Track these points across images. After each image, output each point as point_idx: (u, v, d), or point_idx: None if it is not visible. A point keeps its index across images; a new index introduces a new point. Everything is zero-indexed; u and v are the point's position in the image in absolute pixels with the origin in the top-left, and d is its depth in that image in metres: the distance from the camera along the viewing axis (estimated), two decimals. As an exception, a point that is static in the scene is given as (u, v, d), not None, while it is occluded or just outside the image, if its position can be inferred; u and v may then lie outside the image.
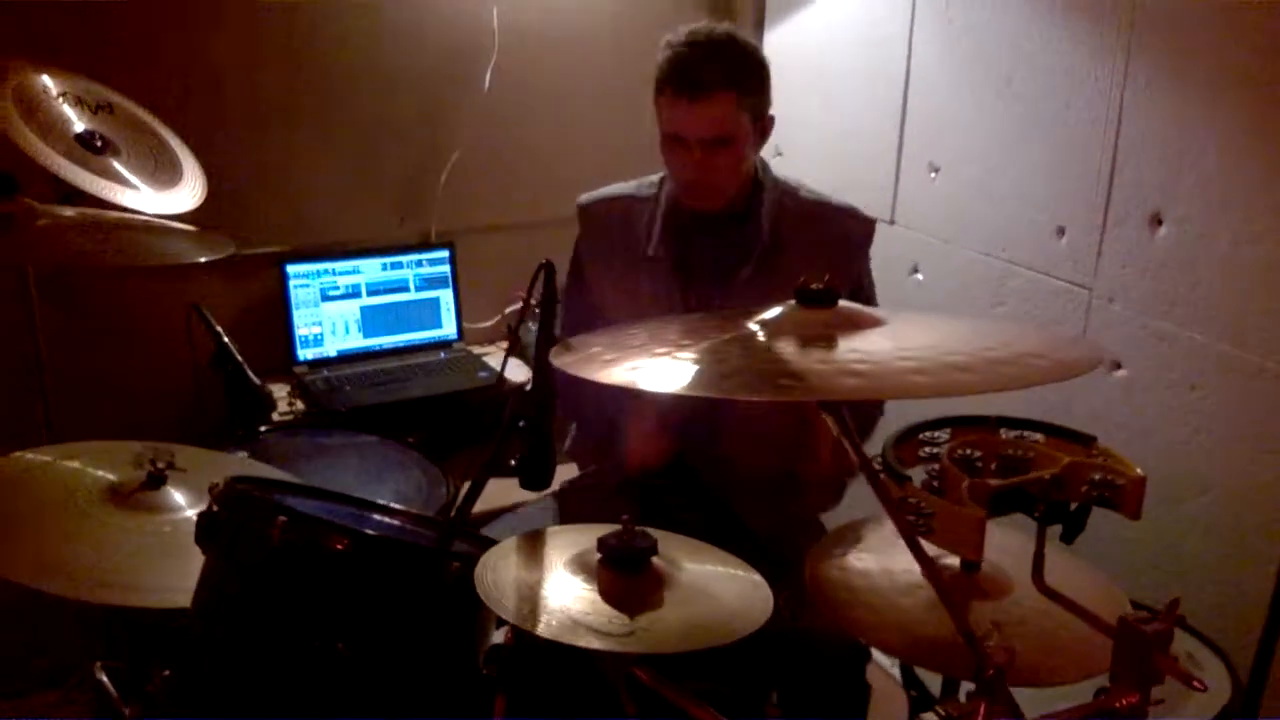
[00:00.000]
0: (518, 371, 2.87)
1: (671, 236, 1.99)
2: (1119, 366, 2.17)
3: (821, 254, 2.00)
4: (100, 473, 1.77)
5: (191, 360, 2.40)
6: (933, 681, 1.72)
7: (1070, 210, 2.23)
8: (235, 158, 2.62)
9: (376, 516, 1.70)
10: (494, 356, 2.96)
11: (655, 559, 1.14)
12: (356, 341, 2.84)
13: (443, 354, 2.90)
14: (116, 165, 2.13)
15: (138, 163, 2.17)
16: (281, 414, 2.61)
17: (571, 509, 2.04)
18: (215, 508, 1.44)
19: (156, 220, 2.00)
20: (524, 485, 1.47)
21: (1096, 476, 1.33)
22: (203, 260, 1.81)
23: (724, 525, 1.93)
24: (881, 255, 2.64)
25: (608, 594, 1.09)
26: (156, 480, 1.76)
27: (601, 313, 2.07)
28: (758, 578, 1.18)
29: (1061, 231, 2.26)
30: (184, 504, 1.74)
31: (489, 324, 3.06)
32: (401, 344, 2.89)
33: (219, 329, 2.38)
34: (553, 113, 2.99)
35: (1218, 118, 1.93)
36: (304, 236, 2.79)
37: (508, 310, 3.05)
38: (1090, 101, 2.16)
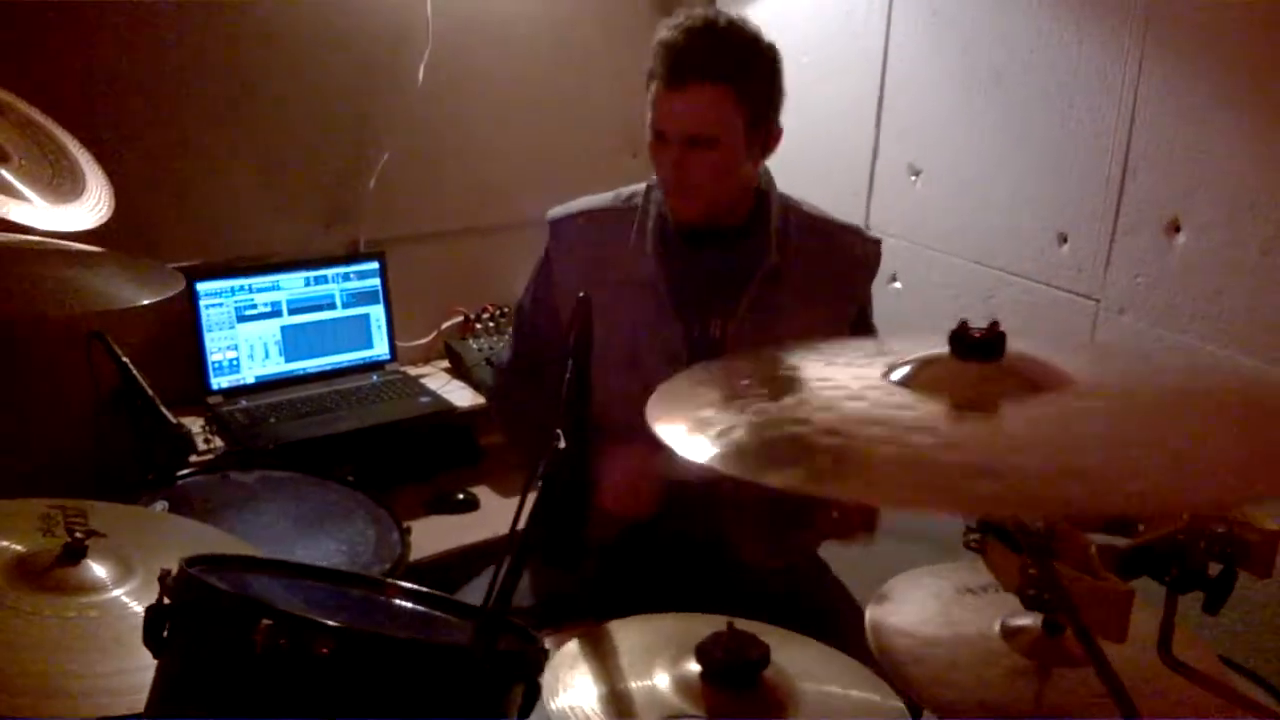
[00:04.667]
0: (459, 395, 2.62)
1: (664, 256, 1.77)
2: (1131, 382, 2.03)
3: (826, 278, 1.81)
4: (2, 543, 1.46)
5: (94, 395, 2.08)
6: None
7: (1073, 216, 2.09)
8: (135, 163, 2.29)
9: (371, 597, 1.42)
10: (432, 378, 2.69)
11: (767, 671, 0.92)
12: (278, 366, 2.53)
13: (375, 377, 2.62)
14: (4, 174, 1.79)
15: (31, 171, 1.83)
16: (200, 452, 2.30)
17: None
18: (169, 602, 1.16)
19: (93, 251, 1.68)
20: (547, 563, 1.23)
21: (1220, 529, 1.17)
22: (145, 303, 1.49)
23: (709, 559, 1.73)
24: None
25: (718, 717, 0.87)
26: (75, 553, 1.47)
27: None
28: (880, 683, 0.97)
29: (1064, 239, 2.12)
30: (108, 580, 1.46)
31: (424, 341, 2.78)
32: (328, 367, 2.59)
33: (125, 360, 2.08)
34: (492, 110, 2.72)
35: (1244, 115, 1.81)
36: (216, 250, 2.46)
37: (445, 325, 2.78)
38: (1097, 101, 2.02)
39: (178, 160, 2.38)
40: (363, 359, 2.63)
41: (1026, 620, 1.28)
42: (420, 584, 1.51)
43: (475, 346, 2.71)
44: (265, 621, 1.08)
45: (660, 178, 1.74)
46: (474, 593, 1.78)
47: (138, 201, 2.30)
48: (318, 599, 1.32)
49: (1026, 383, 0.86)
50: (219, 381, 2.46)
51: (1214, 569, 1.14)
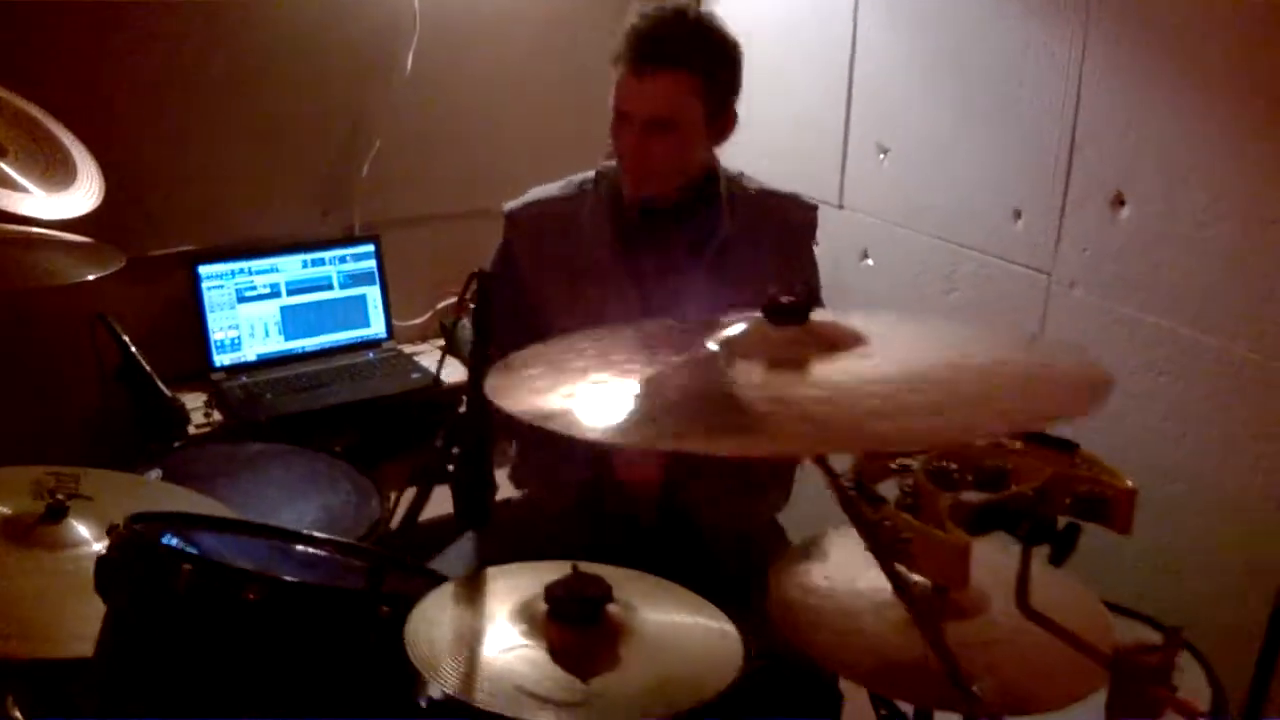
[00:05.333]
0: (454, 371, 2.72)
1: (619, 237, 1.86)
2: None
3: (768, 246, 1.88)
4: (-4, 505, 1.60)
5: (98, 373, 2.23)
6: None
7: (1027, 192, 2.14)
8: (138, 152, 2.43)
9: (301, 548, 1.54)
10: (427, 356, 2.80)
11: (610, 607, 1.01)
12: (277, 345, 2.66)
13: (371, 354, 2.74)
14: (3, 167, 1.93)
15: (26, 162, 1.97)
16: (198, 425, 2.44)
17: (511, 536, 1.89)
18: (113, 553, 1.29)
19: (35, 233, 1.81)
20: (460, 521, 1.33)
21: (1082, 489, 1.23)
22: (90, 278, 1.62)
23: (679, 535, 1.82)
24: (831, 240, 2.55)
25: (558, 652, 0.96)
26: (56, 512, 1.60)
27: (539, 325, 1.93)
28: (727, 626, 1.05)
29: (1018, 215, 2.17)
30: (90, 537, 1.58)
31: (420, 321, 2.89)
32: (326, 345, 2.72)
33: (126, 339, 2.21)
34: (480, 96, 2.82)
35: (1181, 92, 1.85)
36: (217, 234, 2.60)
37: (440, 306, 2.89)
38: (1047, 78, 2.06)
39: (177, 150, 2.51)
40: (360, 338, 2.76)
41: (919, 577, 1.36)
42: (404, 548, 1.63)
43: (468, 325, 2.81)
44: (186, 566, 1.21)
45: (619, 155, 1.83)
46: (451, 557, 1.88)
47: (139, 189, 2.45)
48: (256, 551, 1.44)
49: (826, 342, 0.93)
50: (221, 359, 2.60)
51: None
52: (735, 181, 1.90)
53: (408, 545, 1.56)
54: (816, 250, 1.98)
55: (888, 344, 0.96)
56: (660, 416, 0.85)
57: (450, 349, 2.83)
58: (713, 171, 1.87)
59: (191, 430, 2.42)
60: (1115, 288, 2.00)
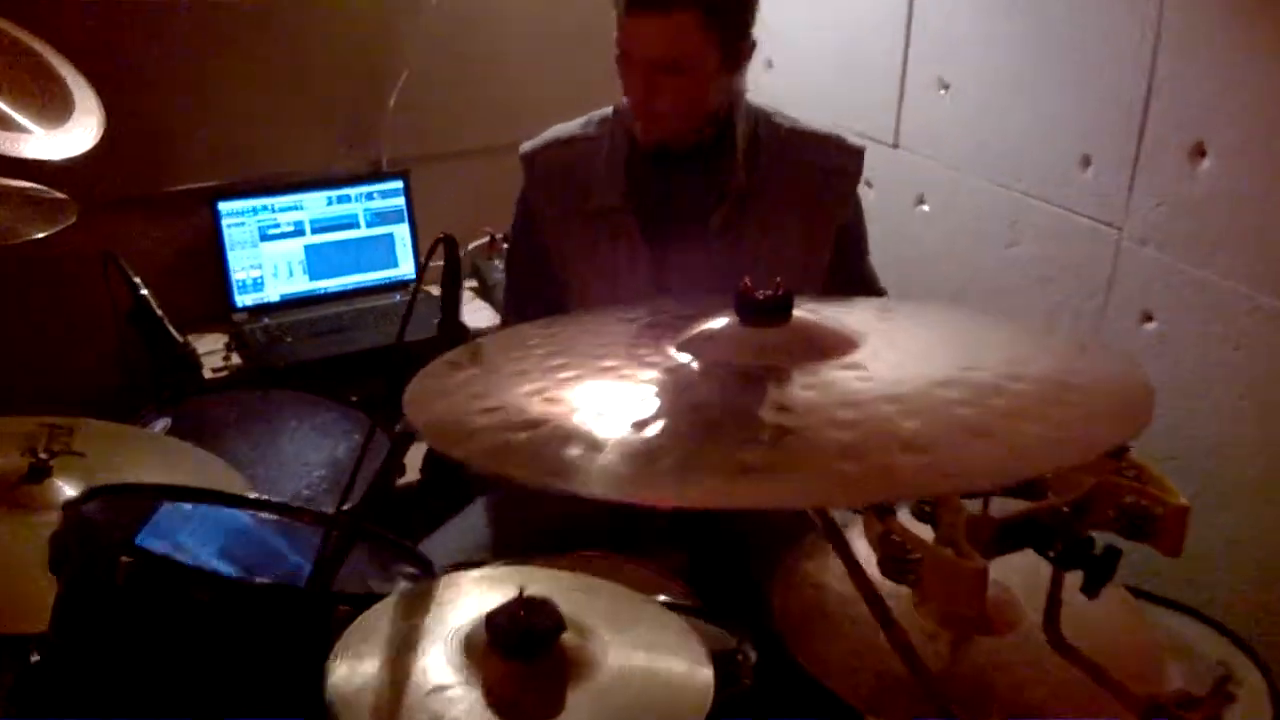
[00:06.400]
0: (480, 316, 2.61)
1: (629, 180, 1.71)
2: (1150, 319, 1.88)
3: (802, 193, 1.72)
4: (-22, 458, 1.53)
5: (113, 315, 2.16)
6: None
7: (1098, 138, 1.93)
8: (153, 84, 2.32)
9: (263, 534, 1.44)
10: (457, 298, 2.69)
11: (566, 637, 0.89)
12: (302, 285, 2.57)
13: (398, 296, 2.64)
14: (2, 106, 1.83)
15: (21, 100, 1.87)
16: (215, 370, 2.37)
17: (513, 516, 1.77)
18: (61, 533, 1.20)
19: None
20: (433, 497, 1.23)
21: (1128, 500, 1.07)
22: (39, 236, 1.51)
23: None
24: (882, 183, 2.37)
25: (493, 693, 0.85)
26: (39, 472, 1.53)
27: (560, 278, 1.80)
28: (701, 668, 0.92)
29: (1087, 162, 1.96)
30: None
31: (451, 261, 2.77)
32: (352, 286, 2.62)
33: (136, 280, 2.14)
34: (516, 21, 2.65)
35: (1274, 29, 1.62)
36: (237, 170, 2.49)
37: (472, 246, 2.76)
38: (1123, 12, 1.83)
39: (194, 82, 2.39)
40: (387, 279, 2.65)
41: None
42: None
43: (500, 267, 2.69)
44: (125, 559, 1.11)
45: (627, 98, 1.68)
46: (454, 530, 1.79)
47: (154, 124, 2.35)
48: (214, 530, 1.35)
49: (809, 345, 0.78)
50: (243, 300, 2.52)
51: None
52: (766, 121, 1.73)
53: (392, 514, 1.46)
54: (868, 194, 1.79)
55: (880, 351, 0.80)
56: (635, 463, 0.70)
57: (483, 292, 2.76)
58: (731, 116, 1.70)
59: (209, 375, 2.35)
60: (1192, 248, 1.79)
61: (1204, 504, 1.78)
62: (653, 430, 0.71)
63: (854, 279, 1.81)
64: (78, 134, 1.91)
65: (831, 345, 0.79)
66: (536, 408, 0.77)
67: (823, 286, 1.74)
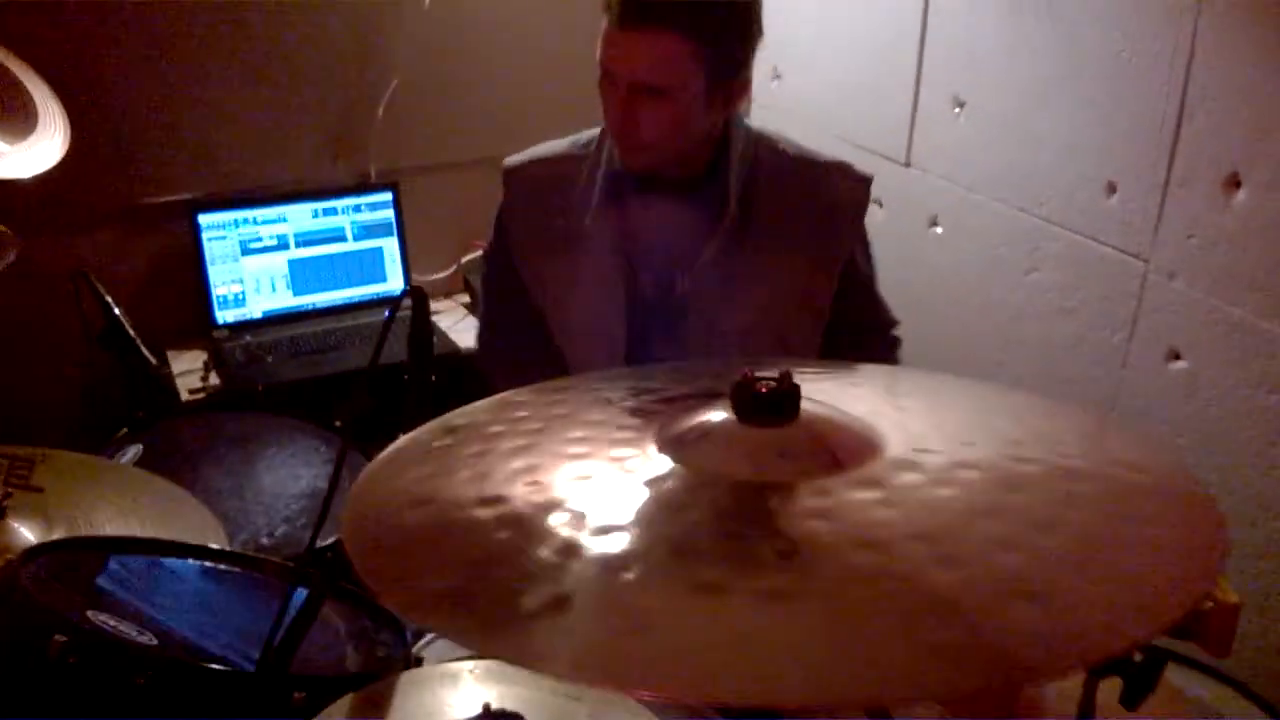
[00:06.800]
0: (471, 335, 2.50)
1: (613, 205, 1.59)
2: (1178, 357, 1.78)
3: (804, 225, 1.60)
4: (-67, 497, 1.44)
5: (84, 337, 2.05)
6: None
7: (1124, 163, 1.82)
8: (128, 91, 2.22)
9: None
10: (449, 314, 2.60)
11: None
12: (285, 300, 2.46)
13: (387, 313, 2.52)
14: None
15: (-15, 115, 1.75)
16: (192, 391, 2.26)
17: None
18: (-4, 594, 1.10)
19: None
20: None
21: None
22: None
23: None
24: (894, 203, 2.26)
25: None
26: (-7, 512, 1.43)
27: (538, 304, 1.69)
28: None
29: (1112, 188, 1.85)
30: (33, 538, 1.42)
31: (444, 275, 2.67)
32: (339, 302, 2.51)
33: (109, 299, 2.03)
34: (508, 30, 2.54)
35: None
36: (218, 181, 2.39)
37: (465, 259, 2.66)
38: (1154, 31, 1.72)
39: (172, 89, 2.29)
40: (376, 294, 2.55)
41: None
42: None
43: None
44: (58, 638, 1.01)
45: (607, 119, 1.56)
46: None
47: (130, 133, 2.24)
48: (160, 595, 1.24)
49: (815, 449, 0.67)
50: (224, 316, 2.41)
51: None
52: (768, 146, 1.61)
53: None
54: (878, 214, 1.68)
55: (901, 457, 0.68)
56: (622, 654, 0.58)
57: (476, 306, 2.65)
58: (726, 141, 1.58)
59: (185, 396, 2.25)
60: (1224, 284, 1.68)
61: (1232, 559, 1.67)
62: (624, 576, 0.60)
63: (863, 312, 1.70)
64: (41, 148, 1.80)
65: (845, 449, 0.67)
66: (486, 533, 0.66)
67: (827, 325, 1.63)
